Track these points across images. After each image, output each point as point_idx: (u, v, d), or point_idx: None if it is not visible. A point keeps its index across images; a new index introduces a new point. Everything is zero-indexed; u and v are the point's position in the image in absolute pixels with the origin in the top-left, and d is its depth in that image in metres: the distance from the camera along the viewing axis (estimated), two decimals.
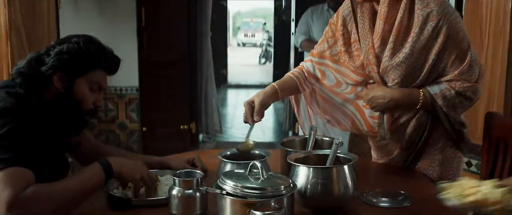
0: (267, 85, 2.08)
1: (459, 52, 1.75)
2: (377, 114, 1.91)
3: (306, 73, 2.08)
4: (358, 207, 1.58)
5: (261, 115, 1.90)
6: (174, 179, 1.45)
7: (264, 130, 7.06)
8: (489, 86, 2.65)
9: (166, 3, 5.09)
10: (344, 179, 1.50)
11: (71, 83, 1.60)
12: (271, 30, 13.98)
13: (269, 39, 16.05)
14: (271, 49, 13.95)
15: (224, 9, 11.12)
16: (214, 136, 6.18)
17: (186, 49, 5.27)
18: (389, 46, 1.78)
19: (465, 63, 1.75)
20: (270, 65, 13.86)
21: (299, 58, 5.05)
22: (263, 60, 16.02)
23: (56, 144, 1.64)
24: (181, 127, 5.27)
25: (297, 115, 2.22)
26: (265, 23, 20.41)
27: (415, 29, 1.74)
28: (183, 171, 1.55)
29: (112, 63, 1.69)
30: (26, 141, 1.46)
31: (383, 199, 1.63)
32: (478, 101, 1.85)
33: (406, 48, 1.75)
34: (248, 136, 1.86)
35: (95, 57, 1.63)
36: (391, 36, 1.77)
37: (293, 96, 2.18)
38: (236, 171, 1.50)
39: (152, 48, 5.11)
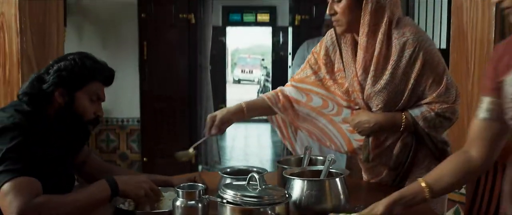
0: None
1: (435, 76, 1.87)
2: (362, 137, 2.02)
3: (282, 97, 2.17)
4: None
5: (218, 130, 2.03)
6: (177, 191, 1.56)
7: (263, 162, 7.13)
8: (475, 111, 2.76)
9: (167, 37, 5.26)
10: (336, 191, 1.62)
11: (72, 97, 1.72)
12: (269, 66, 14.16)
13: (267, 75, 16.22)
14: (269, 85, 14.09)
15: (223, 45, 11.31)
16: (213, 166, 6.26)
17: (186, 82, 5.41)
18: (371, 74, 1.89)
19: (442, 86, 1.86)
20: None
21: None
22: None
23: (60, 157, 1.74)
24: None
25: (281, 136, 2.30)
26: (263, 59, 20.52)
27: (393, 57, 1.85)
28: (186, 184, 1.66)
29: (107, 75, 1.81)
30: (32, 154, 1.57)
31: None
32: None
33: (387, 75, 1.87)
34: (194, 146, 2.00)
35: (90, 70, 1.75)
36: (372, 65, 1.89)
37: (273, 118, 2.28)
38: (235, 183, 1.61)
39: (153, 81, 5.25)
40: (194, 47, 5.52)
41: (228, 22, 10.85)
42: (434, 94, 1.87)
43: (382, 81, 1.88)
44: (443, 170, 1.53)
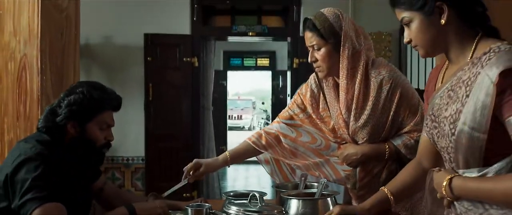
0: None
1: (411, 107, 2.08)
2: (349, 168, 2.22)
3: (264, 135, 2.34)
4: None
5: (196, 178, 2.29)
6: (186, 208, 1.76)
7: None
8: None
9: (171, 80, 5.50)
10: (328, 210, 1.81)
11: (83, 128, 1.89)
12: (269, 110, 14.39)
13: (267, 118, 16.45)
14: None
15: (224, 89, 11.58)
16: None
17: (189, 122, 5.61)
18: (353, 112, 2.10)
19: (417, 116, 2.08)
20: None
21: None
22: None
23: (76, 185, 1.91)
24: (184, 195, 5.51)
25: (269, 170, 2.46)
26: (263, 103, 20.44)
27: (372, 94, 2.07)
28: (194, 203, 1.86)
29: (115, 104, 1.97)
30: (55, 180, 1.75)
31: None
32: None
33: (368, 111, 2.07)
34: (170, 191, 2.18)
35: (99, 101, 1.90)
36: (353, 104, 2.09)
37: (260, 156, 2.45)
38: (238, 201, 1.81)
39: (158, 121, 5.45)
40: (197, 89, 5.74)
41: (229, 66, 11.14)
42: (412, 123, 2.08)
43: (365, 116, 2.08)
44: (404, 179, 1.77)
